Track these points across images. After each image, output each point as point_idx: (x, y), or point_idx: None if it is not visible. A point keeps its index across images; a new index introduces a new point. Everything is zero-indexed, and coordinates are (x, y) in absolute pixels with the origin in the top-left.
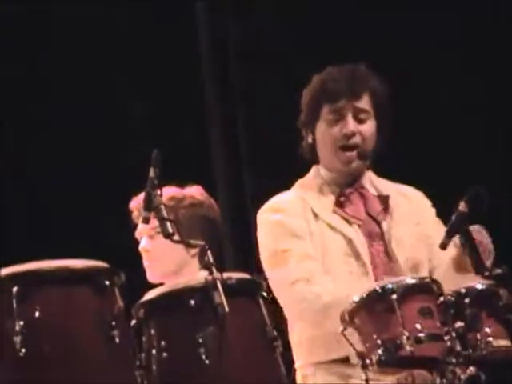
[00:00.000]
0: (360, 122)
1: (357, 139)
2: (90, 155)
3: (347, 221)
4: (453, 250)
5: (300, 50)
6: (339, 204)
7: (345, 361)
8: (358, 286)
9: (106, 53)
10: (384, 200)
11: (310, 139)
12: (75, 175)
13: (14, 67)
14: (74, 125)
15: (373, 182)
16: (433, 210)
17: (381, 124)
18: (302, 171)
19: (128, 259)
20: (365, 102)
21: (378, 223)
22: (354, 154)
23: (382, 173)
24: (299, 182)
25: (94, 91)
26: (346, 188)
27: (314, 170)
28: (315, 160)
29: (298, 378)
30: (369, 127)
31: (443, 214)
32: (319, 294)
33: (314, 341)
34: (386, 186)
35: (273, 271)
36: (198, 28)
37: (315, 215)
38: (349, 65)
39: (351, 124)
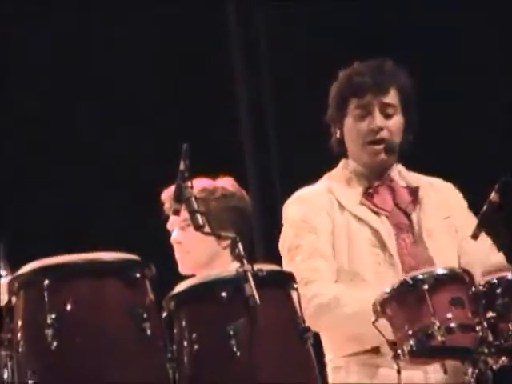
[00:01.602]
0: (387, 116)
1: (384, 134)
2: (120, 146)
3: (375, 212)
4: (481, 245)
5: (328, 42)
6: (367, 195)
7: (376, 351)
8: (359, 291)
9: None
10: (413, 191)
11: (338, 134)
12: (106, 165)
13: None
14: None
15: (402, 175)
16: (464, 202)
17: (408, 119)
18: (331, 165)
19: (159, 251)
20: (391, 97)
21: (407, 215)
22: (381, 147)
23: (410, 165)
24: (327, 174)
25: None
26: (374, 181)
27: (342, 162)
28: (344, 154)
29: (329, 369)
30: (396, 122)
31: (474, 205)
32: (315, 294)
33: (344, 334)
34: (416, 179)
35: (286, 266)
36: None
37: (341, 207)
38: (376, 60)
39: (378, 119)
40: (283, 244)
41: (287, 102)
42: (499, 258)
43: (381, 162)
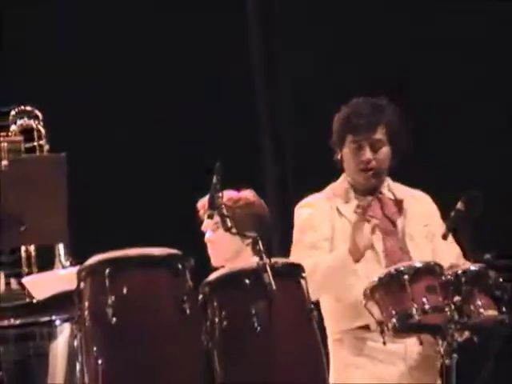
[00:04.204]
0: (376, 150)
1: (373, 164)
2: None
3: (366, 219)
4: (451, 251)
5: (343, 54)
6: (360, 207)
7: (366, 328)
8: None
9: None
10: (399, 203)
11: (339, 156)
12: (157, 173)
13: None
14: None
15: (390, 187)
16: (438, 213)
17: (395, 147)
18: (334, 178)
19: (197, 248)
20: (379, 134)
21: (393, 222)
22: (370, 174)
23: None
24: (330, 185)
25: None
26: (366, 194)
27: (343, 176)
28: (344, 170)
29: (330, 342)
30: (383, 153)
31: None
32: (309, 262)
33: (338, 312)
34: (401, 191)
35: (291, 257)
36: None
37: (340, 213)
38: (371, 99)
39: (368, 154)
40: (293, 239)
41: (304, 122)
42: (464, 262)
43: (372, 185)
